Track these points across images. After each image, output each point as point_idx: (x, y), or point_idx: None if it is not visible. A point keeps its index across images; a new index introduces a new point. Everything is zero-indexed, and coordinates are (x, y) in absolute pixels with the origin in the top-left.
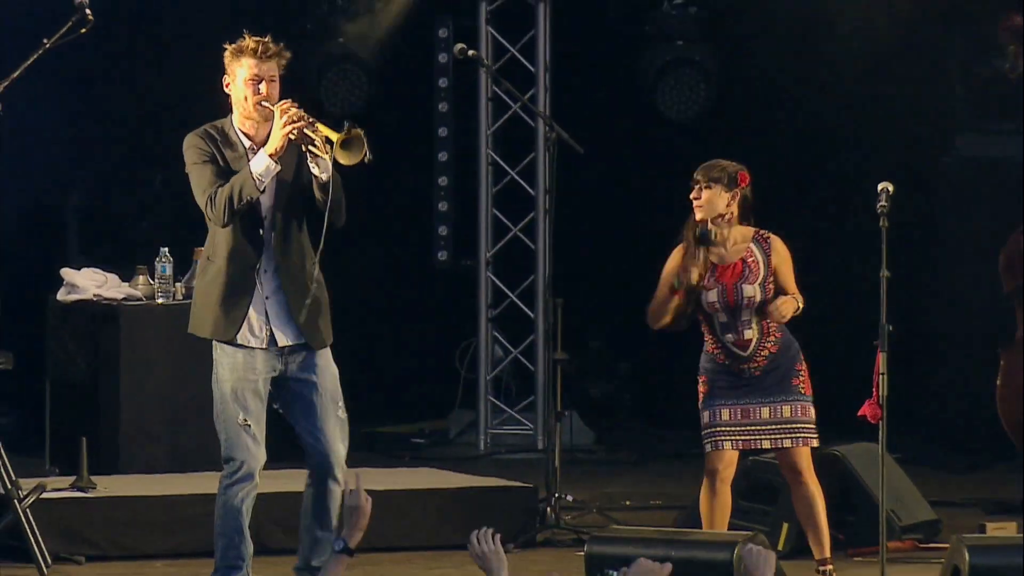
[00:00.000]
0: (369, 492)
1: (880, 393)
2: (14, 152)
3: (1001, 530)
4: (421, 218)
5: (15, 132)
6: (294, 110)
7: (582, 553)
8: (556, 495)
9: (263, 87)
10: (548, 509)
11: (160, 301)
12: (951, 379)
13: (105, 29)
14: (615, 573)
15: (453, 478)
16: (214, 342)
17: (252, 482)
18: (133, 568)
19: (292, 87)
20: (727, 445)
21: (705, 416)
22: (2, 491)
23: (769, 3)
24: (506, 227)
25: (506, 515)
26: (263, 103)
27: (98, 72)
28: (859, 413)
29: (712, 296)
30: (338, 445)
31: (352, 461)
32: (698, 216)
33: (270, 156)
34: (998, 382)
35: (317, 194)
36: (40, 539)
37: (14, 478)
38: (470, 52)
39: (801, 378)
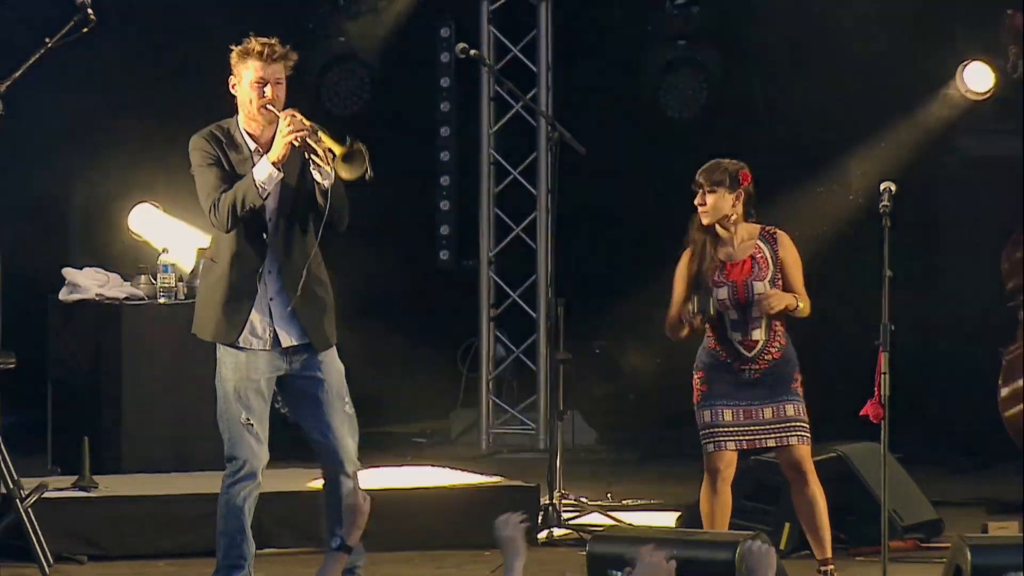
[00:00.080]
0: (370, 492)
1: (882, 393)
2: (16, 151)
3: (1003, 530)
4: (423, 218)
5: (17, 131)
6: (298, 119)
7: (584, 553)
8: (558, 495)
9: (268, 90)
10: (550, 509)
11: (162, 300)
12: (953, 379)
13: (107, 29)
14: (619, 574)
15: (455, 477)
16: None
17: (255, 481)
18: (135, 567)
19: (294, 87)
20: (731, 445)
21: (706, 415)
22: (4, 490)
23: (771, 3)
24: (508, 227)
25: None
26: (268, 106)
27: (101, 71)
28: (861, 413)
29: (723, 294)
30: (347, 440)
31: None
32: (704, 221)
33: (273, 164)
34: (999, 382)
35: (319, 200)
36: (42, 539)
37: (16, 477)
38: (472, 52)
39: (798, 382)
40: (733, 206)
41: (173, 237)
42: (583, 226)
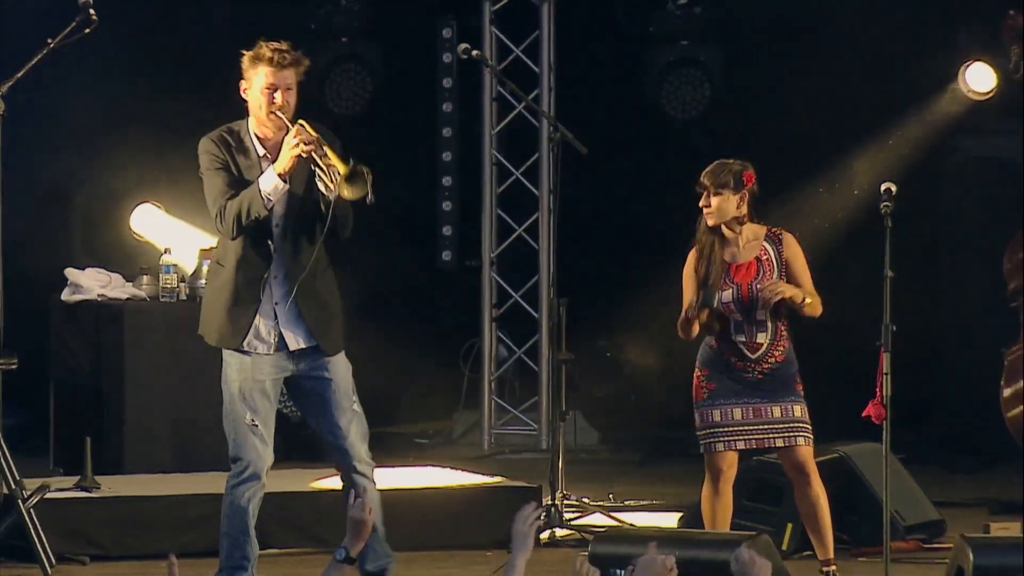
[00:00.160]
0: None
1: (884, 393)
2: (17, 151)
3: (1005, 530)
4: (425, 218)
5: (19, 132)
6: (306, 134)
7: (586, 553)
8: (560, 495)
9: (278, 96)
10: (552, 509)
11: (164, 301)
12: (954, 379)
13: (110, 29)
14: (620, 572)
15: (457, 478)
16: None
17: (259, 482)
18: (137, 568)
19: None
20: (740, 444)
21: (716, 415)
22: (6, 491)
23: (773, 3)
24: (510, 227)
25: (510, 515)
26: (277, 113)
27: (103, 72)
28: (863, 414)
29: (727, 296)
30: (356, 439)
31: None
32: (710, 223)
33: (279, 176)
34: (1001, 382)
35: (322, 208)
36: (44, 539)
37: (18, 478)
38: (474, 52)
39: (800, 384)
40: (738, 207)
41: (175, 238)
42: (585, 226)
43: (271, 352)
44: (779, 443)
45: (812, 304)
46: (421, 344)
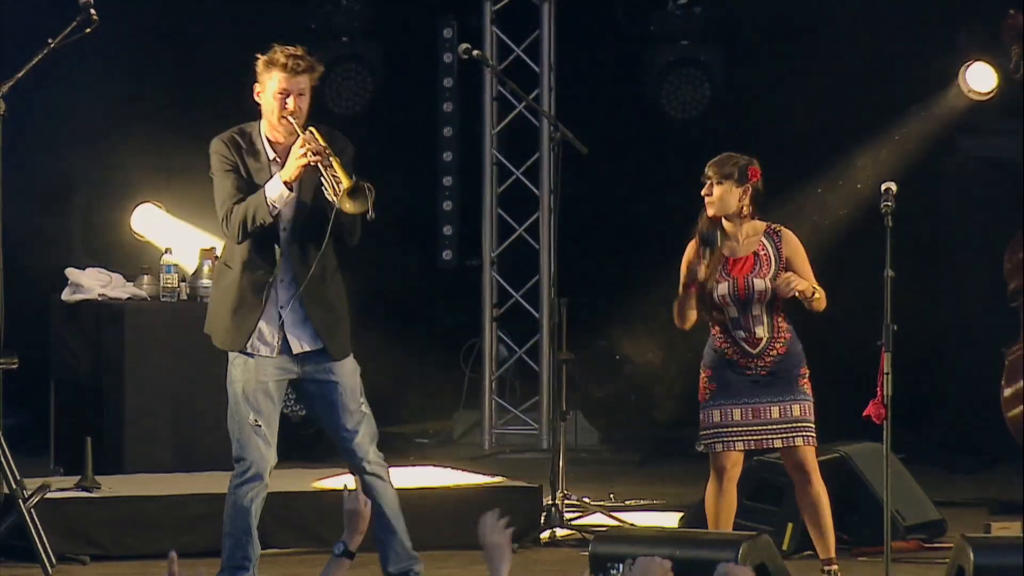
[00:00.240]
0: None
1: (884, 393)
2: (18, 151)
3: (1005, 530)
4: (425, 218)
5: (19, 132)
6: (314, 143)
7: (587, 553)
8: (561, 495)
9: (291, 102)
10: (552, 509)
11: (164, 301)
12: (955, 379)
13: (111, 29)
14: (619, 567)
15: (457, 478)
16: None
17: (261, 482)
18: (137, 568)
19: None
20: (739, 445)
21: (716, 415)
22: (7, 491)
23: (773, 3)
24: (511, 227)
25: (510, 515)
26: (288, 118)
27: (104, 72)
28: (864, 413)
29: (723, 289)
30: (364, 439)
31: None
32: (709, 212)
33: (284, 183)
34: (1002, 382)
35: (329, 214)
36: (45, 539)
37: (19, 478)
38: (475, 52)
39: (805, 379)
40: (740, 200)
41: (176, 237)
42: (585, 226)
43: (274, 355)
44: (777, 443)
45: (818, 298)
46: (421, 344)
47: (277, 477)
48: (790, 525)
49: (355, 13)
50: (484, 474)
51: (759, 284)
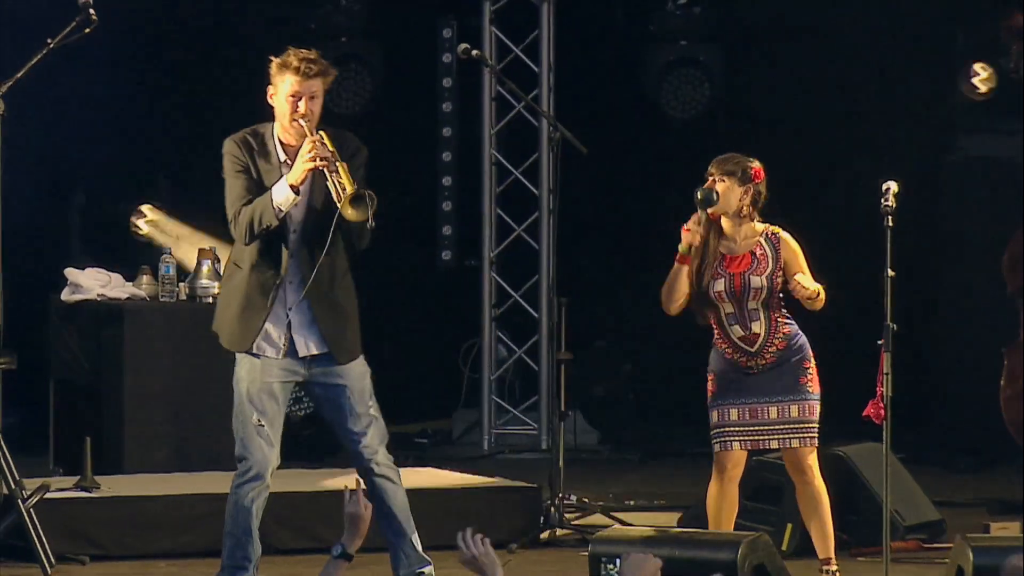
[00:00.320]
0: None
1: (884, 393)
2: (17, 151)
3: (1005, 530)
4: (425, 218)
5: (19, 131)
6: (322, 148)
7: (586, 553)
8: (560, 495)
9: (302, 105)
10: (552, 509)
11: (164, 301)
12: (955, 379)
13: (111, 29)
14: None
15: (457, 478)
16: None
17: (263, 483)
18: (137, 568)
19: None
20: (736, 445)
21: (714, 416)
22: (6, 491)
23: (773, 3)
24: (510, 227)
25: (510, 515)
26: (300, 121)
27: (102, 72)
28: (863, 413)
29: (719, 285)
30: (374, 443)
31: None
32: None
33: (291, 187)
34: (1001, 382)
35: (335, 217)
36: (44, 539)
37: (18, 478)
38: (474, 52)
39: (809, 376)
40: (741, 200)
41: (175, 237)
42: (585, 226)
43: (280, 356)
44: (773, 444)
45: (821, 299)
46: (420, 344)
47: (277, 477)
48: (789, 525)
49: (355, 13)
50: (483, 474)
51: (756, 281)
